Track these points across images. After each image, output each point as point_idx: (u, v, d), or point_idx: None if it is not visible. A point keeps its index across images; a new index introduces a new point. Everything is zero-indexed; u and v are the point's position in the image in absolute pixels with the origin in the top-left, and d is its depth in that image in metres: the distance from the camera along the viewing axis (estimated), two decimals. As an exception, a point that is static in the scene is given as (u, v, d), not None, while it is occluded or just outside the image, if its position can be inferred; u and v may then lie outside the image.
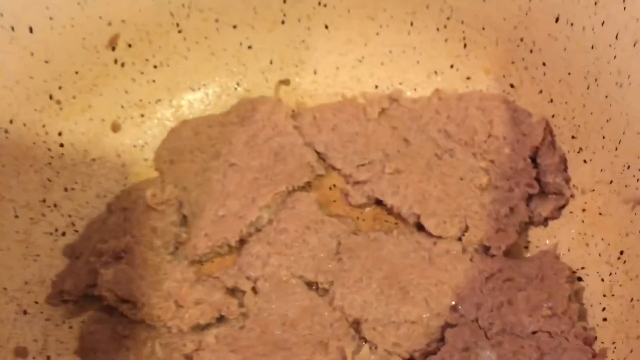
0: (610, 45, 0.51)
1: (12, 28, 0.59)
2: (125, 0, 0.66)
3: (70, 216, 0.69)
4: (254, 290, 0.62)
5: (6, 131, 0.63)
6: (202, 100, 0.77)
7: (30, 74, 0.63)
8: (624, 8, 0.48)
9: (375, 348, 0.57)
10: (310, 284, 0.62)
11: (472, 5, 0.65)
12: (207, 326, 0.60)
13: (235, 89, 0.77)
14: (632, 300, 0.49)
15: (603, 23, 0.51)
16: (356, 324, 0.59)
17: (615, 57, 0.51)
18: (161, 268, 0.63)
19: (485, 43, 0.67)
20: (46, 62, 0.64)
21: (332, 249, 0.64)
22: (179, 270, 0.62)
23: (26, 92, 0.64)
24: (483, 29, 0.66)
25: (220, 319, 0.61)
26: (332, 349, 0.57)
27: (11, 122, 0.63)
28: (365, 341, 0.58)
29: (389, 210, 0.66)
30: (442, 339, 0.57)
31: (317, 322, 0.59)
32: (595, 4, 0.52)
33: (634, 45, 0.48)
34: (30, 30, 0.61)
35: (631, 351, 0.46)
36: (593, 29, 0.53)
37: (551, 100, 0.63)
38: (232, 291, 0.63)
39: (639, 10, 0.47)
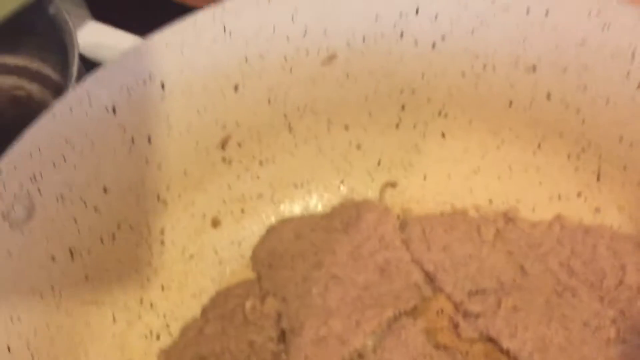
0: None
1: (132, 140, 0.57)
2: (243, 105, 0.63)
3: (165, 317, 0.66)
4: None
5: (113, 236, 0.61)
6: (304, 197, 0.73)
7: (143, 179, 0.61)
8: None
9: None
10: None
11: (616, 145, 0.60)
12: None
13: (339, 187, 0.73)
14: None
15: None
16: None
17: None
18: (260, 395, 0.60)
19: (623, 180, 0.62)
20: (159, 166, 0.62)
21: (440, 390, 0.60)
22: (279, 401, 0.60)
23: (136, 197, 0.61)
24: (624, 168, 0.61)
25: None
26: None
27: (119, 227, 0.61)
28: None
29: (502, 350, 0.62)
30: None
31: None
32: None
33: None
34: (149, 140, 0.58)
35: None
36: None
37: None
38: None
39: None
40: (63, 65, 0.78)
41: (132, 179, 0.59)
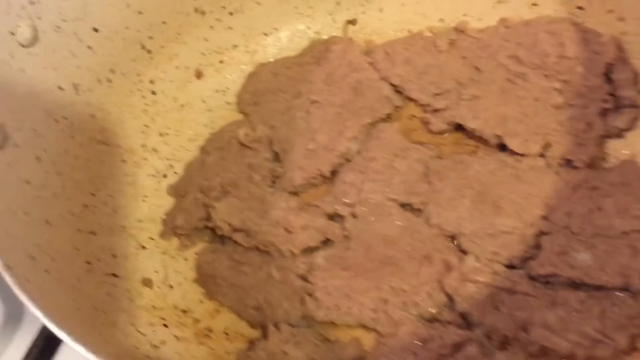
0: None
1: (112, -18, 0.63)
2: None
3: (168, 159, 0.73)
4: (353, 215, 0.67)
5: (109, 80, 0.66)
6: (275, 44, 0.80)
7: (127, 24, 0.67)
8: None
9: (478, 257, 0.61)
10: (404, 206, 0.67)
11: None
12: (315, 249, 0.65)
13: (305, 31, 0.80)
14: None
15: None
16: (454, 239, 0.64)
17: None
18: (265, 199, 0.67)
19: (552, -32, 0.70)
20: (139, 13, 0.67)
21: (420, 173, 0.68)
22: (283, 200, 0.67)
23: (123, 43, 0.67)
24: (552, -45, 0.69)
25: (326, 243, 0.65)
26: (437, 261, 0.62)
27: (112, 71, 0.67)
28: (465, 253, 0.63)
29: (469, 134, 0.70)
30: (537, 246, 0.61)
31: (417, 239, 0.64)
32: None
33: None
34: (128, -17, 0.64)
35: None
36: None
37: (621, 19, 0.66)
38: (332, 217, 0.67)
39: None
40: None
41: (117, 22, 0.65)
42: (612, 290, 0.57)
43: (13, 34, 0.52)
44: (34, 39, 0.54)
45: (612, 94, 0.67)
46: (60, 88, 0.59)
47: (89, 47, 0.62)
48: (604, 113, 0.67)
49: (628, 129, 0.66)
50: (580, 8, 0.70)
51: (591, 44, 0.69)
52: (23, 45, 0.53)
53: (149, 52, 0.71)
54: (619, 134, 0.67)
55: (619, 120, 0.66)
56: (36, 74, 0.56)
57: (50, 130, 0.57)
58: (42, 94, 0.56)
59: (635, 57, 0.66)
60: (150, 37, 0.70)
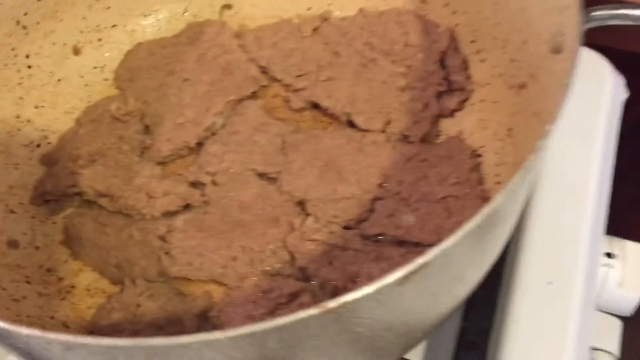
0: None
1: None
2: None
3: (42, 130, 0.77)
4: (213, 183, 0.73)
5: (-22, 53, 0.70)
6: (153, 25, 0.85)
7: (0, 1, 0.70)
8: None
9: (318, 219, 0.69)
10: (261, 175, 0.74)
11: None
12: (176, 213, 0.71)
13: (183, 14, 0.86)
14: (516, 163, 0.63)
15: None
16: (301, 204, 0.71)
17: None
18: (131, 168, 0.73)
19: (400, -34, 0.79)
20: (13, -12, 0.71)
21: (278, 146, 0.75)
22: (147, 168, 0.72)
23: (-5, 17, 0.71)
24: (398, -47, 0.77)
25: (186, 208, 0.71)
26: (283, 223, 0.69)
27: (-20, 45, 0.70)
28: (309, 216, 0.70)
29: (325, 112, 0.78)
30: (372, 210, 0.69)
31: (268, 204, 0.71)
32: None
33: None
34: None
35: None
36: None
37: (455, 12, 0.75)
38: (194, 185, 0.73)
39: None
40: None
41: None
42: (428, 247, 0.66)
43: None
44: None
45: (446, 79, 0.76)
46: None
47: (-42, 21, 0.66)
48: (438, 95, 0.76)
49: (458, 109, 0.75)
50: (423, 2, 0.79)
51: (430, 33, 0.77)
52: None
53: (24, 27, 0.75)
54: (450, 114, 0.75)
55: (450, 102, 0.75)
56: None
57: None
58: None
59: (464, 45, 0.75)
60: (25, 14, 0.74)
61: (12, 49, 0.74)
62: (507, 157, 0.66)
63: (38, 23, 0.76)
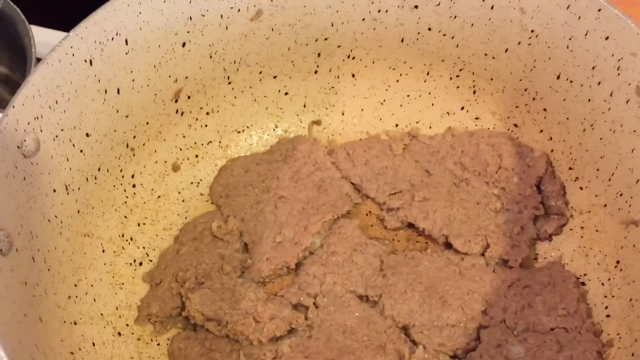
0: (605, 100, 0.65)
1: (105, 91, 0.69)
2: (190, 60, 0.76)
3: (144, 248, 0.79)
4: (315, 305, 0.74)
5: (95, 177, 0.72)
6: (246, 140, 0.88)
7: (115, 127, 0.73)
8: (618, 74, 0.63)
9: (426, 349, 0.69)
10: (361, 297, 0.74)
11: (483, 61, 0.78)
12: (281, 337, 0.71)
13: (274, 129, 0.88)
14: (631, 300, 0.64)
15: (599, 83, 0.66)
16: (405, 329, 0.72)
17: (609, 109, 0.65)
18: (236, 290, 0.73)
19: (492, 90, 0.81)
20: (126, 116, 0.74)
21: (376, 267, 0.76)
22: (252, 290, 0.73)
23: (110, 144, 0.73)
24: (491, 79, 0.80)
25: (291, 331, 0.72)
26: (390, 351, 0.69)
27: (99, 169, 0.73)
28: (415, 343, 0.70)
29: (420, 232, 0.79)
30: (478, 338, 0.70)
31: (372, 329, 0.71)
32: (593, 68, 0.66)
33: (627, 102, 0.63)
34: (118, 91, 0.71)
35: (635, 340, 0.60)
36: (590, 87, 0.67)
37: (550, 138, 0.77)
38: (296, 306, 0.74)
39: (630, 76, 0.62)
40: (15, 61, 0.89)
41: (107, 126, 0.72)
42: (541, 382, 0.66)
43: (19, 147, 0.58)
44: (36, 150, 0.60)
45: (542, 202, 0.78)
46: (54, 190, 0.65)
47: (81, 151, 0.68)
48: (535, 218, 0.77)
49: (556, 234, 0.76)
50: (515, 125, 0.81)
51: (525, 157, 0.79)
52: (26, 157, 0.59)
53: (132, 149, 0.77)
54: (548, 237, 0.76)
55: (548, 226, 0.76)
56: (35, 181, 0.61)
57: (43, 230, 0.63)
58: (38, 197, 0.62)
59: (561, 171, 0.76)
60: (134, 137, 0.77)
61: (120, 171, 0.76)
62: (618, 290, 0.67)
63: (144, 144, 0.79)
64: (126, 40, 0.68)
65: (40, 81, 0.61)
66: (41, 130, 0.61)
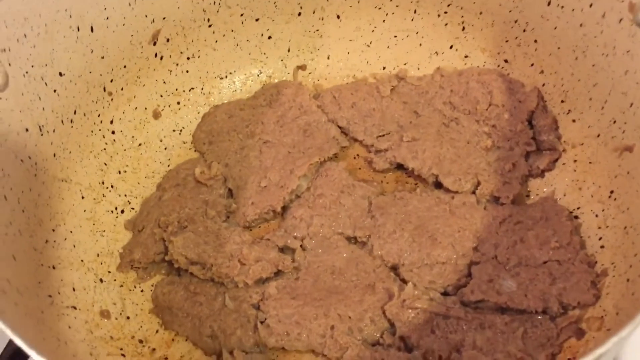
0: (597, 23, 0.63)
1: (78, 28, 0.67)
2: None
3: (125, 195, 0.76)
4: (302, 247, 0.72)
5: (71, 121, 0.70)
6: (229, 87, 0.85)
7: (90, 69, 0.70)
8: (609, -8, 0.60)
9: (416, 286, 0.67)
10: (350, 239, 0.72)
11: (471, -7, 0.76)
12: (267, 280, 0.69)
13: (258, 75, 0.86)
14: (625, 227, 0.62)
15: (591, 5, 0.63)
16: (394, 269, 0.70)
17: (602, 32, 0.63)
18: (220, 234, 0.71)
19: (482, 25, 0.78)
20: (102, 57, 0.71)
21: (364, 209, 0.74)
22: (237, 234, 0.71)
23: (86, 86, 0.71)
24: (480, 13, 0.77)
25: (277, 274, 0.70)
26: (379, 290, 0.67)
27: (75, 112, 0.70)
28: (405, 282, 0.68)
29: (409, 173, 0.77)
30: (469, 275, 0.68)
31: (361, 269, 0.70)
32: (584, -11, 0.63)
33: (619, 21, 0.60)
34: (92, 29, 0.68)
35: (630, 266, 0.58)
36: (582, 10, 0.65)
37: (542, 72, 0.75)
38: (283, 250, 0.72)
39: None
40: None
41: (81, 66, 0.69)
42: (533, 314, 0.64)
43: (-15, 80, 0.56)
44: (5, 85, 0.58)
45: (534, 138, 0.75)
46: (27, 130, 0.62)
47: (54, 91, 0.66)
48: (527, 155, 0.75)
49: (548, 169, 0.74)
50: (506, 61, 0.79)
51: (516, 93, 0.77)
52: (-6, 89, 0.57)
53: (110, 94, 0.75)
54: (540, 173, 0.74)
55: (540, 162, 0.74)
56: (5, 117, 0.59)
57: (16, 170, 0.61)
58: (9, 135, 0.60)
59: (553, 105, 0.74)
60: (112, 80, 0.74)
61: (98, 115, 0.74)
62: (612, 220, 0.65)
63: (122, 89, 0.76)
64: (97, -26, 0.66)
65: (7, 11, 0.58)
66: (9, 65, 0.59)
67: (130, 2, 0.71)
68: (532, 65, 0.76)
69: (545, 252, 0.67)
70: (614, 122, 0.65)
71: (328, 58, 0.86)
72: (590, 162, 0.69)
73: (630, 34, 0.59)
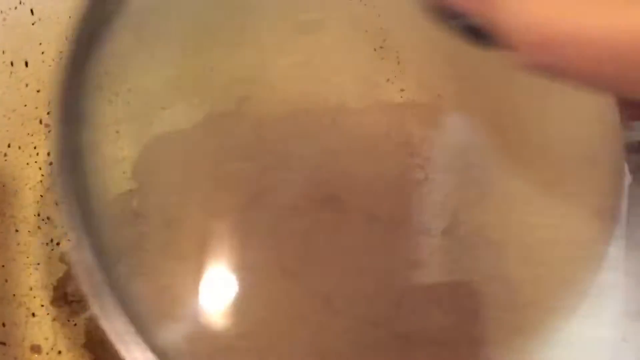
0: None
1: (12, 63, 0.67)
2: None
3: (62, 227, 0.76)
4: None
5: (5, 154, 0.70)
6: (172, 118, 0.86)
7: (25, 102, 0.71)
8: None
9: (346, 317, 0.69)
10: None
11: (404, 30, 0.78)
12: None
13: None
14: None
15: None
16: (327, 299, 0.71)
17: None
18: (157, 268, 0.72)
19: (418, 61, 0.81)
20: (38, 91, 0.72)
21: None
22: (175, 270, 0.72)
23: (21, 119, 0.71)
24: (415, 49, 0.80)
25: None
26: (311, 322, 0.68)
27: (9, 146, 0.70)
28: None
29: (345, 205, 0.79)
30: (399, 306, 0.69)
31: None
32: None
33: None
34: (26, 64, 0.69)
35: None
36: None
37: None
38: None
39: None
40: None
41: (15, 101, 0.69)
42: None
43: None
44: None
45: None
46: (-45, 165, 0.62)
47: (-15, 125, 0.66)
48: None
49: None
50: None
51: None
52: None
53: (47, 126, 0.75)
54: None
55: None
56: None
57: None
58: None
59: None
60: (49, 113, 0.74)
61: (35, 148, 0.74)
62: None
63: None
64: (31, 10, 0.66)
65: None
66: (-64, 103, 0.59)
67: (67, 37, 0.71)
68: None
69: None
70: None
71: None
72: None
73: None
